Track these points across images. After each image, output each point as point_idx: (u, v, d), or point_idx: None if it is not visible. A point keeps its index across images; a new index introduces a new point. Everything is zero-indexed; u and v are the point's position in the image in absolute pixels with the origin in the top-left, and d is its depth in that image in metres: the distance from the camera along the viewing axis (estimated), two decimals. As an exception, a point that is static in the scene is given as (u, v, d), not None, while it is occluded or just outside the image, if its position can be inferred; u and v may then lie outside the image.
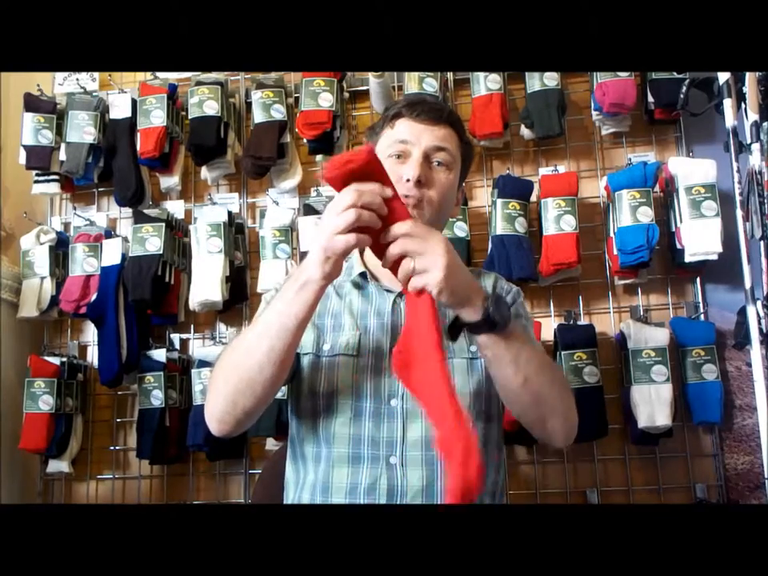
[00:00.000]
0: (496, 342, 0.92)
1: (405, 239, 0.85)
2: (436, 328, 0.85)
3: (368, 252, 1.13)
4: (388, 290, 1.10)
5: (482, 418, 1.06)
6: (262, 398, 0.96)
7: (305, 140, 1.98)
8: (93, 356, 2.11)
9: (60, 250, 2.09)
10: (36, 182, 2.12)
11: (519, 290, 1.20)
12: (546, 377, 0.99)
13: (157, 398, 1.91)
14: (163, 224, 1.96)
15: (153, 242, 1.94)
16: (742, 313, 1.53)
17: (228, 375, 0.96)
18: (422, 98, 1.11)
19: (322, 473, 1.03)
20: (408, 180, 1.02)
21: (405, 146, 1.06)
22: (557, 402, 1.01)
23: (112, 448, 2.08)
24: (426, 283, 0.85)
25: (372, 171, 0.85)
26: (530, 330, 1.17)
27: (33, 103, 2.11)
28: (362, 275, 1.12)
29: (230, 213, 2.00)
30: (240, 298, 2.02)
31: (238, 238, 2.03)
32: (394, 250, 0.86)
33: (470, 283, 0.90)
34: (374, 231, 0.85)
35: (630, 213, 1.78)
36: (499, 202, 1.85)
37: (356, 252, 1.15)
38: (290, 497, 1.09)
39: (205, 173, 2.08)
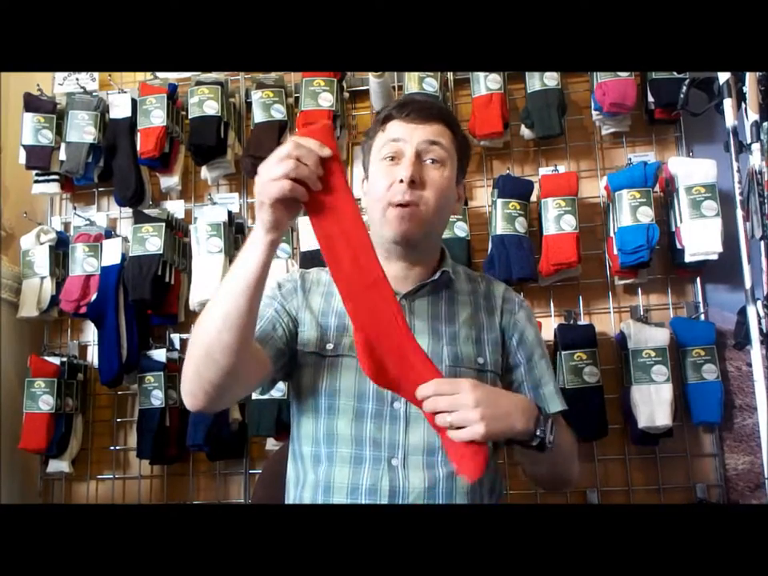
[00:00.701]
0: (538, 453, 0.97)
1: (434, 399, 0.88)
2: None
3: (380, 242, 1.14)
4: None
5: None
6: (225, 367, 0.89)
7: (305, 140, 1.98)
8: (93, 356, 2.11)
9: (60, 250, 2.09)
10: (36, 181, 2.12)
11: (529, 307, 1.20)
12: (569, 463, 1.11)
13: (157, 398, 1.91)
14: (163, 224, 1.96)
15: (153, 242, 1.94)
16: (742, 313, 1.53)
17: (192, 347, 0.93)
18: (411, 97, 1.12)
19: (323, 473, 1.03)
20: (401, 181, 1.02)
21: (397, 145, 1.06)
22: (572, 476, 1.14)
23: (112, 448, 2.08)
24: (470, 438, 0.87)
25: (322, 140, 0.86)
26: (541, 338, 1.18)
27: (33, 103, 2.11)
28: None
29: (230, 213, 2.00)
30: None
31: (238, 237, 2.02)
32: (426, 409, 0.89)
33: (515, 415, 0.92)
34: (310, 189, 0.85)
35: (630, 213, 1.78)
36: (499, 201, 1.85)
37: None
38: (291, 496, 1.09)
39: (205, 173, 2.08)
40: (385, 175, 1.05)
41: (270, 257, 0.87)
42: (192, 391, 0.94)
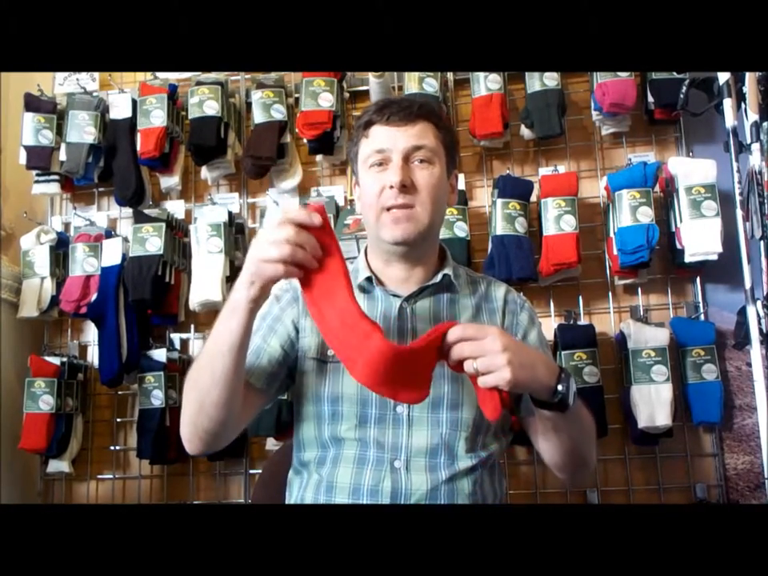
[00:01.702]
0: (561, 416, 0.95)
1: (461, 345, 0.87)
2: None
3: (371, 255, 1.14)
4: (394, 295, 1.09)
5: (487, 430, 1.06)
6: (219, 419, 0.96)
7: (305, 140, 1.98)
8: (93, 356, 2.11)
9: (60, 250, 2.09)
10: (36, 181, 2.12)
11: (531, 308, 1.19)
12: (589, 438, 1.07)
13: (157, 398, 1.91)
14: (163, 224, 1.96)
15: (153, 242, 1.94)
16: (742, 313, 1.53)
17: (186, 400, 0.98)
18: (389, 100, 1.09)
19: (326, 473, 1.03)
20: (392, 187, 1.02)
21: (383, 155, 1.05)
22: (591, 456, 1.09)
23: (112, 448, 2.08)
24: (496, 383, 0.86)
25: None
26: (543, 338, 1.17)
27: (33, 103, 2.11)
28: (368, 279, 1.11)
29: (230, 213, 2.00)
30: (240, 297, 2.02)
31: (238, 237, 2.03)
32: (454, 356, 0.88)
33: (539, 366, 0.91)
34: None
35: (630, 213, 1.78)
36: (499, 202, 1.85)
37: (362, 256, 1.15)
38: (293, 496, 1.09)
39: (205, 173, 2.08)
40: (375, 181, 1.05)
41: (252, 321, 0.91)
42: (190, 439, 1.00)
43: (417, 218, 1.03)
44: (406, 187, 1.02)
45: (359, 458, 1.02)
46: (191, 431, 0.99)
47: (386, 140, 1.05)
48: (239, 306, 0.89)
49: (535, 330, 1.15)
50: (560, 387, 0.92)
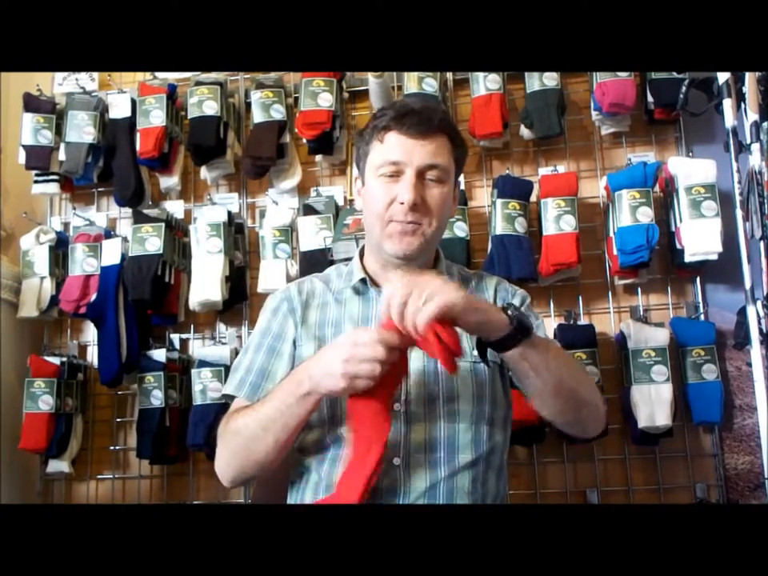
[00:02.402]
0: (527, 351, 0.92)
1: (398, 289, 0.86)
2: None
3: (368, 258, 1.14)
4: None
5: (485, 421, 1.05)
6: (274, 465, 1.03)
7: (304, 140, 1.98)
8: (93, 356, 2.11)
9: (60, 250, 2.09)
10: (36, 182, 2.12)
11: (525, 293, 1.18)
12: (575, 373, 1.02)
13: (157, 398, 1.91)
14: (163, 224, 1.96)
15: (152, 242, 1.94)
16: (742, 313, 1.53)
17: (235, 451, 1.04)
18: (410, 107, 1.06)
19: (325, 473, 1.04)
20: (402, 203, 1.02)
21: (397, 167, 1.04)
22: (587, 395, 1.03)
23: (112, 448, 2.08)
24: (437, 308, 0.84)
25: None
26: (544, 330, 1.15)
27: (32, 103, 2.11)
28: (363, 281, 1.12)
29: (229, 213, 2.00)
30: (240, 297, 2.02)
31: (238, 237, 2.03)
32: (394, 302, 0.86)
33: (487, 307, 0.91)
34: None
35: (630, 213, 1.78)
36: (499, 202, 1.85)
37: (356, 257, 1.16)
38: (293, 496, 1.10)
39: (204, 173, 2.08)
40: (385, 192, 1.05)
41: (318, 404, 0.97)
42: (233, 482, 1.07)
43: (421, 234, 1.04)
44: (417, 206, 1.02)
45: None
46: (237, 478, 1.06)
47: (402, 152, 1.04)
48: (315, 393, 0.93)
49: (530, 310, 1.15)
50: (509, 312, 0.90)
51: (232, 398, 1.11)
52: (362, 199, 1.12)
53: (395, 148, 1.04)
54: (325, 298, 1.13)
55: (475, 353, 1.06)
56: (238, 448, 1.03)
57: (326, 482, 1.03)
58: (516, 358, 0.93)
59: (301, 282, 1.18)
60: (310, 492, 1.05)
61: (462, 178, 1.94)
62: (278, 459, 1.02)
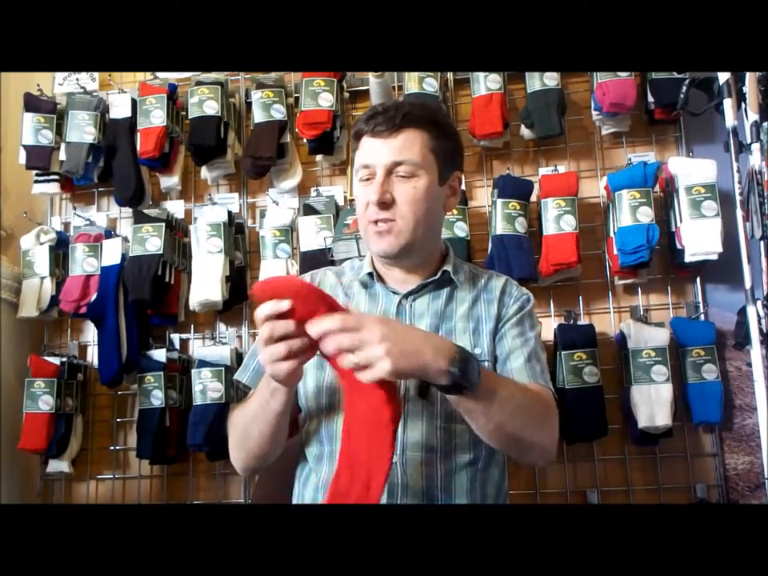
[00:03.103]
0: (465, 400, 0.90)
1: (336, 336, 0.82)
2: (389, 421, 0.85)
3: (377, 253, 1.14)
4: (394, 292, 1.11)
5: None
6: (272, 456, 1.08)
7: (305, 140, 1.98)
8: (93, 356, 2.11)
9: (60, 250, 2.09)
10: (36, 181, 2.12)
11: (529, 297, 1.15)
12: (520, 419, 0.97)
13: (157, 398, 1.91)
14: (163, 224, 1.96)
15: (153, 242, 1.94)
16: (742, 313, 1.53)
17: (234, 443, 1.09)
18: (376, 108, 1.07)
19: (323, 472, 1.04)
20: (372, 203, 1.03)
21: (369, 170, 1.06)
22: (533, 437, 1.00)
23: (112, 448, 2.08)
24: (374, 377, 0.82)
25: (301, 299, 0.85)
26: (533, 342, 1.11)
27: (33, 103, 2.11)
28: (370, 275, 1.13)
29: (229, 213, 2.00)
30: (240, 297, 2.02)
31: (238, 237, 2.03)
32: (327, 348, 0.83)
33: (425, 352, 0.85)
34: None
35: (630, 213, 1.78)
36: (499, 201, 1.85)
37: (368, 253, 1.16)
38: (295, 493, 1.11)
39: (205, 173, 2.08)
40: (362, 195, 1.07)
41: (292, 395, 0.97)
42: (243, 471, 1.12)
43: (398, 232, 1.04)
44: (386, 203, 1.03)
45: None
46: (246, 468, 1.10)
47: (371, 154, 1.06)
48: (278, 389, 0.95)
49: (527, 318, 1.12)
50: (451, 369, 0.85)
51: (241, 383, 1.15)
52: None
53: (366, 151, 1.07)
54: (335, 291, 1.14)
55: (477, 350, 1.07)
56: (236, 440, 1.08)
57: (324, 481, 1.04)
58: (452, 401, 0.93)
59: (314, 273, 1.20)
60: (309, 491, 1.06)
61: (462, 178, 1.95)
62: (272, 451, 1.05)
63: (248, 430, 1.03)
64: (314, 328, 0.83)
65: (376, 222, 1.04)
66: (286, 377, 0.87)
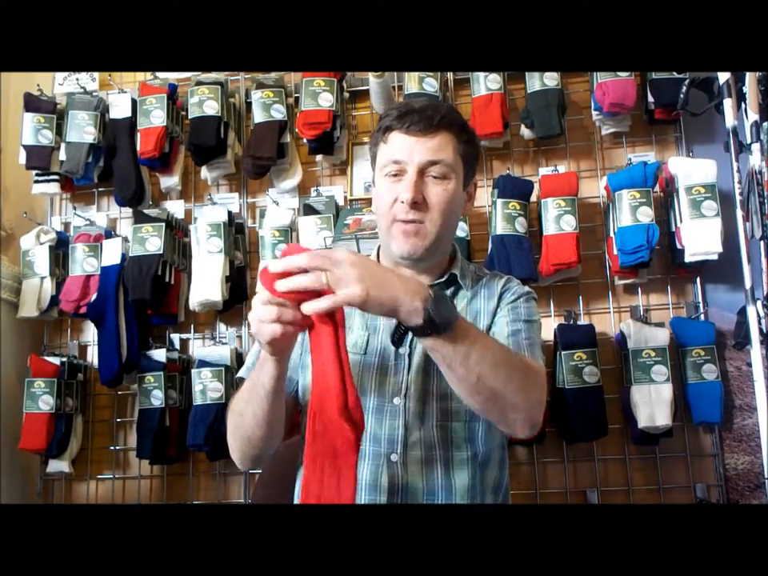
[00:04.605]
0: (442, 343, 0.86)
1: (311, 258, 0.81)
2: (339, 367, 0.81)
3: (383, 256, 1.14)
4: None
5: (480, 420, 1.05)
6: (265, 445, 1.03)
7: (305, 140, 1.99)
8: (93, 356, 2.11)
9: (60, 250, 2.09)
10: (36, 181, 2.12)
11: (529, 292, 1.14)
12: (502, 373, 0.91)
13: (157, 398, 1.91)
14: (163, 224, 1.96)
15: (153, 242, 1.94)
16: (742, 313, 1.54)
17: (232, 433, 1.06)
18: (411, 106, 1.06)
19: None
20: (403, 201, 1.02)
21: (399, 166, 1.04)
22: (516, 397, 0.93)
23: (112, 448, 2.08)
24: (345, 300, 0.80)
25: None
26: (528, 332, 1.08)
27: (33, 103, 2.11)
28: None
29: (229, 213, 2.00)
30: (240, 297, 2.02)
31: (238, 237, 2.03)
32: (300, 281, 0.80)
33: (399, 288, 0.83)
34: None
35: (630, 213, 1.78)
36: (499, 201, 1.85)
37: (374, 254, 1.16)
38: (295, 494, 1.11)
39: (205, 173, 2.08)
40: (388, 192, 1.05)
41: (283, 369, 0.93)
42: (241, 462, 1.08)
43: (425, 234, 1.03)
44: (418, 204, 1.02)
45: None
46: (241, 457, 1.07)
47: (403, 150, 1.04)
48: (267, 359, 0.91)
49: (522, 306, 1.10)
50: (426, 306, 0.83)
51: (243, 380, 1.11)
52: (373, 200, 1.13)
53: (397, 147, 1.05)
54: None
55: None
56: (233, 427, 1.05)
57: None
58: (428, 347, 0.89)
59: None
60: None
61: (477, 184, 1.95)
62: (266, 437, 1.00)
63: (242, 414, 1.00)
64: (285, 263, 0.81)
65: (404, 221, 1.03)
66: (272, 341, 0.84)
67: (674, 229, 1.83)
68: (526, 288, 1.16)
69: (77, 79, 2.20)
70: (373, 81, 1.96)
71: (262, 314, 0.82)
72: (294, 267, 0.81)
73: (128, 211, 2.12)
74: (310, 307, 0.80)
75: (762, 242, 1.48)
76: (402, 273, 0.96)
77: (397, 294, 0.83)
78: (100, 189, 2.21)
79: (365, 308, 0.82)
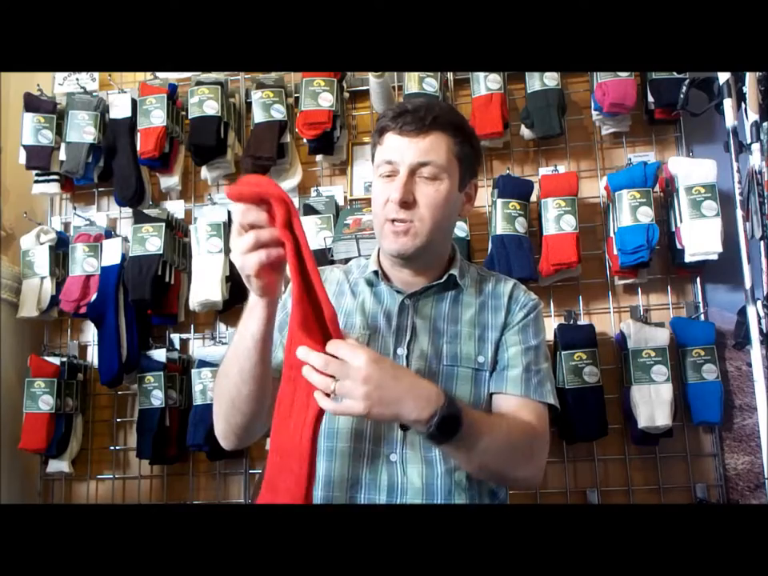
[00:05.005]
0: (445, 446, 0.91)
1: (327, 359, 0.82)
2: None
3: (382, 255, 1.15)
4: (398, 291, 1.11)
5: None
6: (250, 413, 0.98)
7: (305, 140, 1.99)
8: (93, 356, 2.11)
9: (60, 250, 2.09)
10: (36, 181, 2.12)
11: (537, 303, 1.14)
12: (504, 457, 0.98)
13: (157, 398, 1.91)
14: (163, 224, 1.96)
15: (153, 242, 1.94)
16: (742, 313, 1.53)
17: (218, 398, 1.02)
18: (405, 107, 1.07)
19: (324, 468, 1.04)
20: (393, 202, 1.03)
21: (391, 167, 1.05)
22: (518, 472, 1.01)
23: (112, 448, 2.08)
24: (345, 411, 0.82)
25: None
26: (533, 350, 1.10)
27: (33, 103, 2.11)
28: (375, 273, 1.13)
29: (230, 213, 2.00)
30: (240, 297, 2.02)
31: (238, 237, 2.02)
32: (312, 377, 0.82)
33: (405, 402, 0.85)
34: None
35: (630, 213, 1.78)
36: (499, 201, 1.85)
37: (375, 251, 1.16)
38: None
39: (205, 173, 2.08)
40: (381, 192, 1.06)
41: (272, 313, 0.91)
42: (225, 435, 1.04)
43: (415, 233, 1.04)
44: (408, 203, 1.03)
45: (355, 451, 1.03)
46: (225, 428, 1.02)
47: (396, 151, 1.05)
48: (254, 303, 0.91)
49: (532, 324, 1.12)
50: (430, 426, 0.85)
51: None
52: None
53: (390, 148, 1.06)
54: (342, 288, 1.15)
55: (481, 359, 1.07)
56: (218, 393, 1.01)
57: (324, 477, 1.04)
58: (434, 443, 0.93)
59: (322, 270, 1.20)
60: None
61: (477, 185, 1.95)
62: (251, 398, 0.96)
63: (227, 375, 0.97)
64: (305, 353, 0.82)
65: (394, 221, 1.04)
66: (258, 271, 0.85)
67: (674, 229, 1.83)
68: (533, 298, 1.16)
69: (77, 79, 2.21)
70: (373, 81, 1.96)
71: (242, 244, 0.83)
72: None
73: (128, 211, 2.12)
74: (331, 405, 0.82)
75: (761, 242, 1.48)
76: (419, 381, 0.90)
77: (401, 411, 0.85)
78: (100, 189, 2.21)
79: (367, 418, 0.86)
